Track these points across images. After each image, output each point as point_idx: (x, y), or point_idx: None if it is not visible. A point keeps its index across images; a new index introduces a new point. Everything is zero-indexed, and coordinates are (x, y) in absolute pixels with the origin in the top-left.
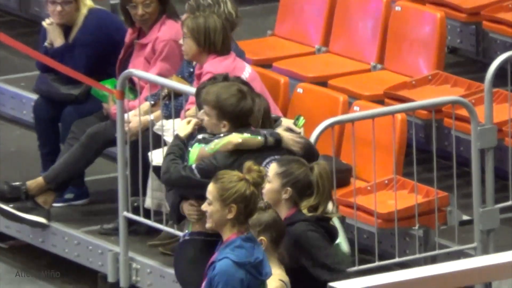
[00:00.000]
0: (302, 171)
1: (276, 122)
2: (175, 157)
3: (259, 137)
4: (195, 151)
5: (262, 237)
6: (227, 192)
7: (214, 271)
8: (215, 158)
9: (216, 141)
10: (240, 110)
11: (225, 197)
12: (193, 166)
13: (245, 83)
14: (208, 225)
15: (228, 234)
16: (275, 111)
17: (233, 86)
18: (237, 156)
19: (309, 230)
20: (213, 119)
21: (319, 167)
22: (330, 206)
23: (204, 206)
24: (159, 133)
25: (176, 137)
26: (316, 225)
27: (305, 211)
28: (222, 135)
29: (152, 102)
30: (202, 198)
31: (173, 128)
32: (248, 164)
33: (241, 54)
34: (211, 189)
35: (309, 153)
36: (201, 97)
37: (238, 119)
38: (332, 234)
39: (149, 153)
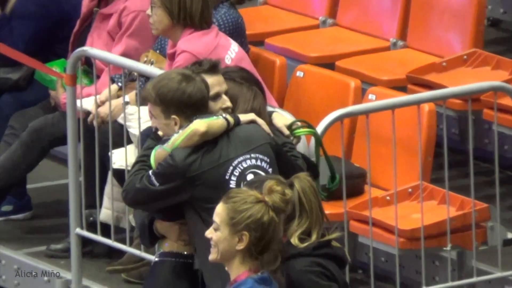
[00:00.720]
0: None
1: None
2: (142, 167)
3: (220, 118)
4: (152, 155)
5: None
6: (239, 216)
7: None
8: (171, 157)
9: (174, 136)
10: (182, 95)
11: (236, 222)
12: (150, 172)
13: (248, 73)
14: (213, 256)
15: (236, 271)
16: (270, 101)
17: (173, 72)
18: (199, 151)
19: (307, 271)
20: (161, 118)
21: (300, 181)
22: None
23: (209, 232)
24: (122, 122)
25: (152, 136)
26: (315, 258)
27: (295, 241)
28: (180, 130)
29: (120, 85)
30: (167, 213)
31: (141, 117)
32: (270, 183)
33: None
34: (219, 210)
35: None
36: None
37: (187, 108)
38: (339, 258)
39: (110, 153)
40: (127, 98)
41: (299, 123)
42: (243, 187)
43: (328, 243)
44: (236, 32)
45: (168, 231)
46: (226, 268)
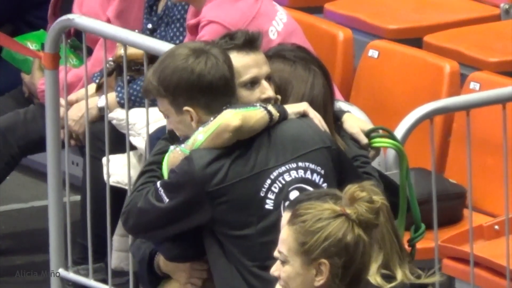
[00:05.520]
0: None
1: (335, 121)
2: (150, 180)
3: (259, 109)
4: (165, 160)
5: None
6: (313, 238)
7: None
8: (188, 161)
9: (198, 132)
10: (190, 76)
11: (310, 247)
12: (158, 184)
13: (308, 53)
14: None
15: None
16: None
17: (180, 47)
18: (227, 157)
19: None
20: (172, 114)
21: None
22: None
23: (275, 269)
24: (123, 131)
25: (166, 136)
26: None
27: (376, 279)
28: (202, 127)
29: (97, 81)
30: (183, 246)
31: (143, 122)
32: (352, 189)
33: None
34: (285, 235)
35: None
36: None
37: (200, 93)
38: None
39: (103, 160)
40: (103, 102)
41: (380, 131)
42: (314, 200)
43: None
44: None
45: (174, 270)
46: None
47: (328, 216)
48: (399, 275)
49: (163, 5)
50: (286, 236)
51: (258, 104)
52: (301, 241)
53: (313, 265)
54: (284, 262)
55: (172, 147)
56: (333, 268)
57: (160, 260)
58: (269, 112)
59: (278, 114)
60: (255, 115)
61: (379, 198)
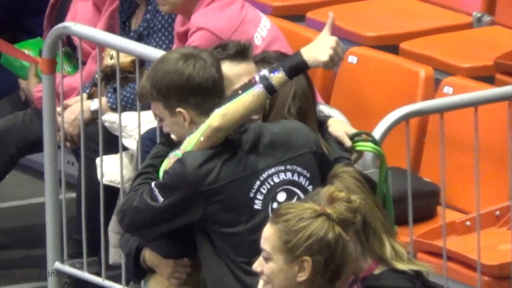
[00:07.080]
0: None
1: (321, 125)
2: (145, 181)
3: (251, 92)
4: (163, 166)
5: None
6: (296, 237)
7: None
8: (181, 162)
9: (190, 136)
10: (180, 78)
11: (293, 246)
12: (153, 185)
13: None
14: None
15: None
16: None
17: (171, 52)
18: (219, 158)
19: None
20: (167, 116)
21: (341, 180)
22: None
23: (258, 265)
24: (115, 133)
25: (163, 140)
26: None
27: (386, 248)
28: (193, 131)
29: (87, 91)
30: (176, 243)
31: (134, 124)
32: (331, 189)
33: None
34: (268, 234)
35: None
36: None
37: (190, 94)
38: None
39: (97, 160)
40: (95, 105)
41: (363, 136)
42: (296, 201)
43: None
44: None
45: (158, 264)
46: None
47: (310, 216)
48: (387, 248)
49: (138, 20)
50: (269, 235)
51: (253, 83)
52: (284, 239)
53: (296, 262)
54: (267, 259)
55: (171, 153)
56: (315, 265)
57: (146, 254)
58: (265, 86)
59: (280, 77)
60: (242, 104)
61: (357, 198)
